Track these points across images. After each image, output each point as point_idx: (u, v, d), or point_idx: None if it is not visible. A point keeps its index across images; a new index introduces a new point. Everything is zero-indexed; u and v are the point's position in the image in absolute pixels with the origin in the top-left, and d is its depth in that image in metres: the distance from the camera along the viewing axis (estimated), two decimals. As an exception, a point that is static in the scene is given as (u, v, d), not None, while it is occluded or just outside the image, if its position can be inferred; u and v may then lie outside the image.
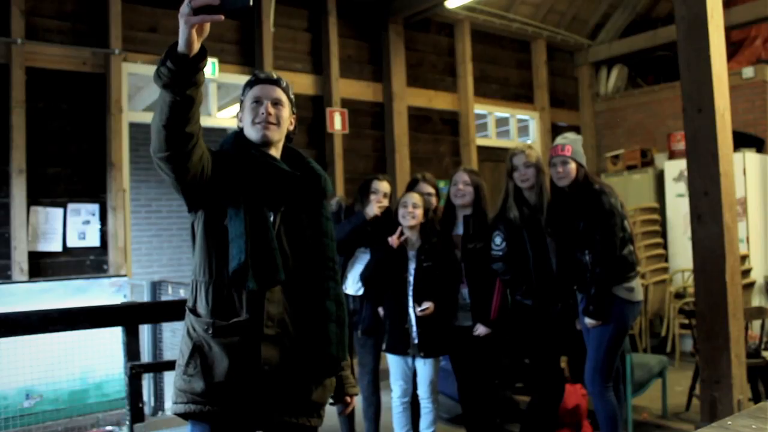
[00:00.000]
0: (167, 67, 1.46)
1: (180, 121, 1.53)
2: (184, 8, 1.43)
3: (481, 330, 3.38)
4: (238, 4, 1.47)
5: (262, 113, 1.84)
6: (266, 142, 1.85)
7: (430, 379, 3.43)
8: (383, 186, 3.57)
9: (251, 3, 1.49)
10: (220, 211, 1.78)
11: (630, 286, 3.21)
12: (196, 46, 1.47)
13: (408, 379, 3.48)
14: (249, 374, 1.73)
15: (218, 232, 1.78)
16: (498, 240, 3.36)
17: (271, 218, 1.81)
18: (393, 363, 3.52)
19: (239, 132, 1.92)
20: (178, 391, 1.77)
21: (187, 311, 1.82)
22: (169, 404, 4.30)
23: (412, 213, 3.38)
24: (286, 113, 1.90)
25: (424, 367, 3.44)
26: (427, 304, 3.34)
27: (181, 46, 1.45)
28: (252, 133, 1.86)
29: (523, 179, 3.37)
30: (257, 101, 1.87)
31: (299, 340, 1.80)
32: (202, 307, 1.78)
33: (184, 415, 1.77)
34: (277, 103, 1.88)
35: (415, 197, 3.45)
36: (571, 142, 3.33)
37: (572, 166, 3.27)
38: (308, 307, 1.83)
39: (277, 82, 1.91)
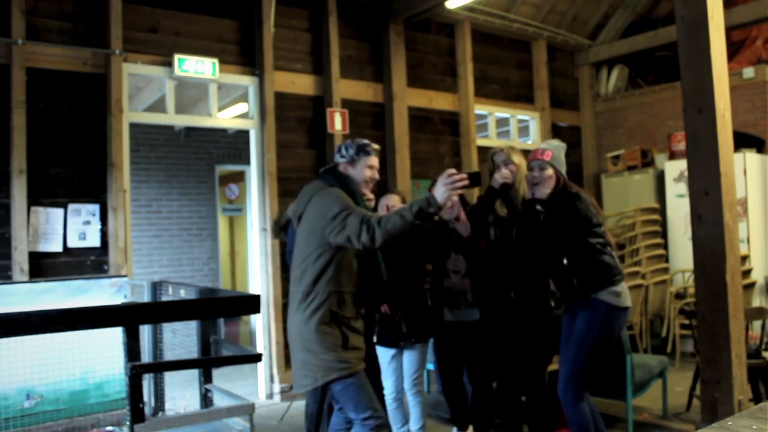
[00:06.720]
0: (429, 212, 2.49)
1: (408, 235, 2.56)
2: (449, 184, 2.47)
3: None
4: (476, 185, 2.55)
5: (375, 178, 2.95)
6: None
7: (414, 372, 3.50)
8: (392, 200, 3.73)
9: (481, 182, 2.59)
10: None
11: (616, 290, 3.14)
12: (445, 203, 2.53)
13: (399, 375, 3.54)
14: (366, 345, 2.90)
15: (358, 257, 2.82)
16: None
17: None
18: (384, 359, 3.61)
19: (349, 175, 2.89)
20: (338, 362, 2.68)
21: (333, 310, 2.71)
22: (169, 405, 4.30)
23: None
24: None
25: (408, 361, 3.54)
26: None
27: (441, 201, 2.49)
28: (361, 185, 2.91)
29: (504, 177, 3.38)
30: (371, 168, 2.93)
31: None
32: (345, 306, 2.74)
33: (348, 376, 2.68)
34: (378, 169, 2.97)
35: (394, 199, 3.69)
36: (552, 148, 3.28)
37: (549, 171, 3.21)
38: None
39: (379, 153, 3.00)
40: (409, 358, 3.56)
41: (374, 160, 2.94)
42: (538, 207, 3.18)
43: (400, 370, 3.58)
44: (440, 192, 2.48)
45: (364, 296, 2.85)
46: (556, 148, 3.30)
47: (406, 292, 3.53)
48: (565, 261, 3.19)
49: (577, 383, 3.14)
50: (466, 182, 2.48)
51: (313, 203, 2.78)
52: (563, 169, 3.27)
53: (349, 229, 2.57)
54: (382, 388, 3.74)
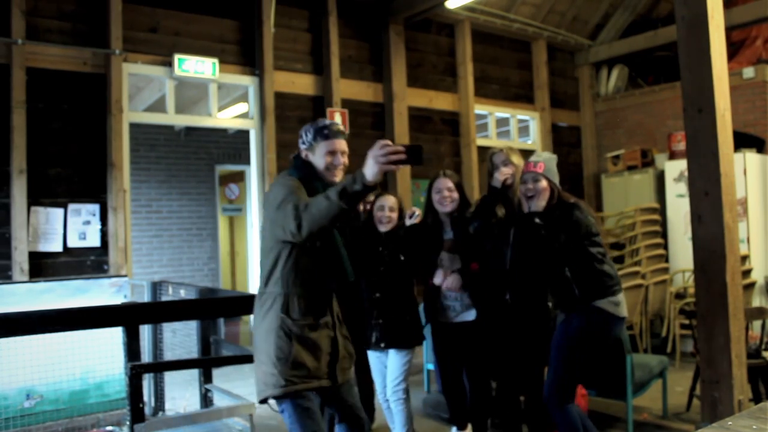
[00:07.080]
0: (357, 191, 2.06)
1: (338, 220, 2.16)
2: (381, 157, 2.03)
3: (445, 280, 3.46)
4: (415, 162, 2.10)
5: (337, 164, 2.43)
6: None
7: (395, 379, 3.46)
8: (389, 201, 3.56)
9: (423, 161, 2.12)
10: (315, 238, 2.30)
11: (615, 300, 3.13)
12: (378, 179, 2.07)
13: (385, 377, 3.53)
14: (332, 356, 2.45)
15: (311, 254, 2.38)
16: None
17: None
18: (370, 361, 3.60)
19: (310, 162, 2.46)
20: (275, 376, 2.31)
21: (280, 316, 2.34)
22: (169, 405, 4.30)
23: (389, 217, 3.50)
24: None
25: (390, 367, 3.48)
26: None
27: (370, 178, 2.05)
28: (325, 175, 2.43)
29: (504, 175, 3.38)
30: (332, 153, 2.42)
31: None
32: (295, 312, 2.36)
33: (291, 394, 2.31)
34: (344, 153, 2.45)
35: (391, 200, 3.54)
36: (544, 160, 3.25)
37: (543, 183, 3.18)
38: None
39: (344, 135, 2.47)
40: (392, 364, 3.48)
41: (337, 144, 2.43)
42: (537, 220, 3.18)
43: (386, 372, 3.55)
44: (370, 166, 2.05)
45: (323, 300, 2.46)
46: (548, 159, 3.27)
47: (391, 299, 3.48)
48: (568, 273, 3.17)
49: (566, 386, 3.13)
50: (402, 156, 2.04)
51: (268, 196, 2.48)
52: (556, 180, 3.25)
53: (284, 218, 2.23)
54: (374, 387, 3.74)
